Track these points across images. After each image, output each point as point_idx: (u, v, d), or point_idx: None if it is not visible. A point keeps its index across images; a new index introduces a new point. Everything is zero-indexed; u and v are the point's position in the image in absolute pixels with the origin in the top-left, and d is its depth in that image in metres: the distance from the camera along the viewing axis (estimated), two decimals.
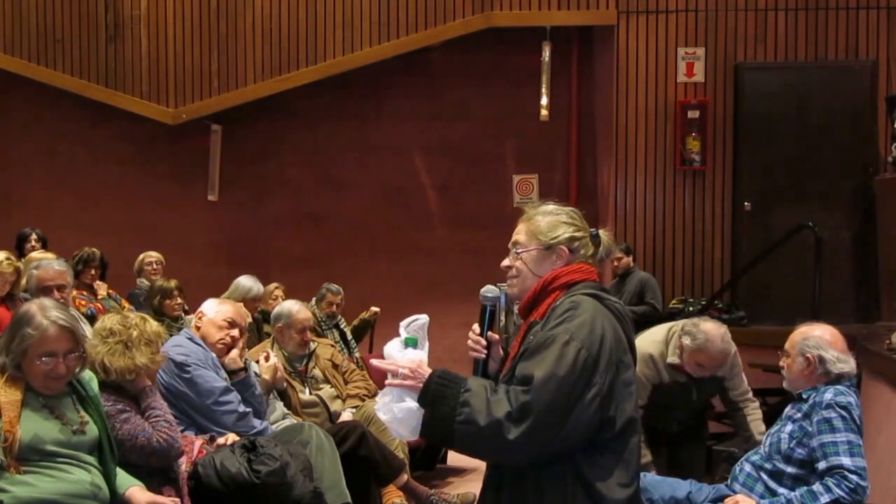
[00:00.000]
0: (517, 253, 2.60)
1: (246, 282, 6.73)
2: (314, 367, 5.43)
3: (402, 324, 2.54)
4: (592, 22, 8.45)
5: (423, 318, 2.54)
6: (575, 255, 2.58)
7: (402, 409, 2.40)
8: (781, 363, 3.82)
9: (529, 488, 2.41)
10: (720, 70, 8.12)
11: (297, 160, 9.26)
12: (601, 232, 2.65)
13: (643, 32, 8.20)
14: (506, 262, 2.63)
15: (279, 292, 7.10)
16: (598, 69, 8.82)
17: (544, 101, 8.44)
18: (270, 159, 9.27)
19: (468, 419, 2.30)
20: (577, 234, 2.59)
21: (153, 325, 3.63)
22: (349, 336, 7.09)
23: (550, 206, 2.64)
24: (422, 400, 2.38)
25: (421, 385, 2.39)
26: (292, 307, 5.44)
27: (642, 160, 8.20)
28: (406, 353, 2.47)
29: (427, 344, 2.53)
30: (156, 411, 3.50)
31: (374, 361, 2.55)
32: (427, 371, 2.41)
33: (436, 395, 2.36)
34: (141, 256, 7.44)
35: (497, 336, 2.66)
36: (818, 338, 3.74)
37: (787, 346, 3.79)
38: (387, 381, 2.45)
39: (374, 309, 7.52)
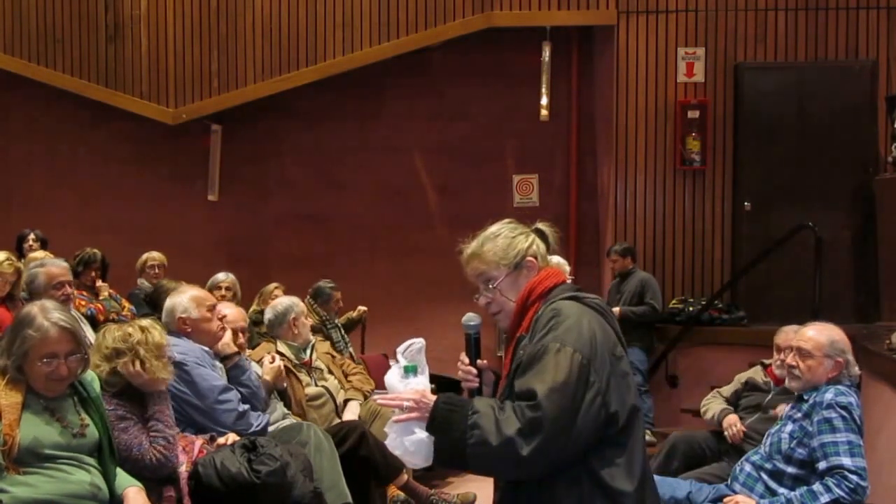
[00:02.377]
0: (493, 287, 2.58)
1: (220, 276, 6.79)
2: (317, 359, 5.45)
3: (399, 350, 2.52)
4: (592, 22, 8.45)
5: (419, 342, 2.52)
6: (539, 259, 2.58)
7: (412, 441, 2.39)
8: (792, 362, 3.79)
9: (544, 488, 2.41)
10: (720, 70, 8.12)
11: (297, 160, 9.26)
12: (540, 226, 2.67)
13: (643, 32, 8.20)
14: (482, 301, 2.61)
15: (279, 292, 7.08)
16: (598, 69, 8.82)
17: (544, 101, 8.43)
18: (270, 159, 9.26)
19: (480, 441, 2.30)
20: (529, 239, 2.60)
21: (155, 335, 3.55)
22: (343, 333, 7.09)
23: (490, 230, 2.64)
24: (430, 428, 2.37)
25: (427, 415, 2.38)
26: (291, 299, 5.51)
27: (642, 160, 8.20)
28: (408, 382, 2.46)
29: (427, 368, 2.51)
30: (157, 424, 3.46)
31: (378, 399, 2.53)
32: (431, 399, 2.40)
33: (444, 421, 2.35)
34: (144, 257, 7.42)
35: (486, 362, 2.67)
36: (842, 341, 3.75)
37: (807, 346, 3.75)
38: (393, 419, 2.43)
39: (362, 308, 7.51)
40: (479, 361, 2.65)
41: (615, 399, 2.39)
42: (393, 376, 2.48)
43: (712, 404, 4.88)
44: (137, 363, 3.44)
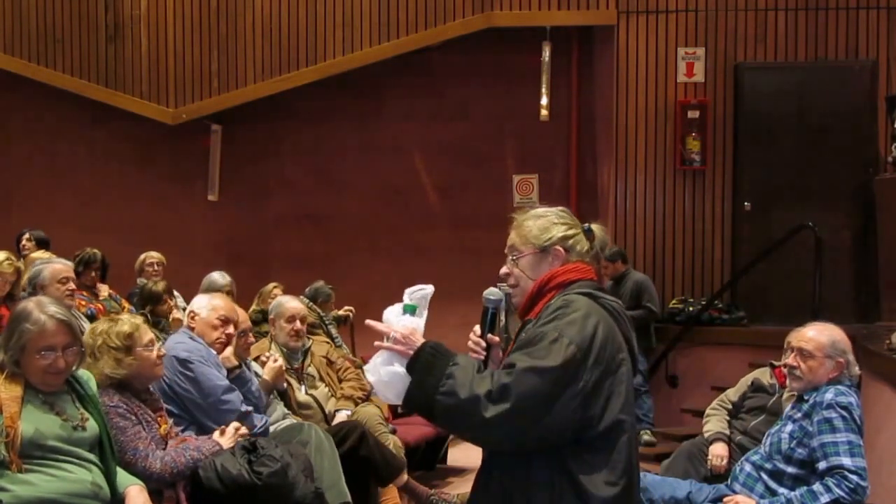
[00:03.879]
0: (513, 259, 2.60)
1: (219, 279, 6.65)
2: (309, 365, 5.41)
3: (407, 291, 2.54)
4: (592, 22, 8.45)
5: (429, 289, 2.54)
6: (571, 253, 2.57)
7: (389, 372, 2.41)
8: (794, 362, 3.79)
9: (518, 483, 2.42)
10: (720, 70, 8.12)
11: (297, 160, 9.26)
12: (594, 226, 2.65)
13: (643, 32, 8.20)
14: (504, 270, 2.64)
15: (278, 291, 7.06)
16: (598, 69, 8.82)
17: (544, 101, 8.43)
18: (270, 159, 9.26)
19: (450, 391, 2.31)
20: (569, 232, 2.59)
21: (124, 327, 3.53)
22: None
23: (540, 209, 2.65)
24: (410, 367, 2.39)
25: (411, 352, 2.40)
26: (282, 299, 5.51)
27: (642, 160, 8.20)
28: (403, 319, 2.48)
29: (426, 313, 2.53)
30: (184, 455, 3.48)
31: (369, 322, 2.54)
32: (419, 340, 2.42)
33: (425, 364, 2.37)
34: (143, 257, 7.40)
35: (497, 339, 2.66)
36: (843, 341, 3.75)
37: (809, 347, 3.75)
38: (375, 343, 2.46)
39: (349, 308, 7.51)
40: (489, 336, 2.64)
41: (601, 403, 2.38)
42: (391, 311, 2.51)
43: (712, 420, 4.76)
44: (93, 366, 3.41)
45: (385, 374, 2.42)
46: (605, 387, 2.39)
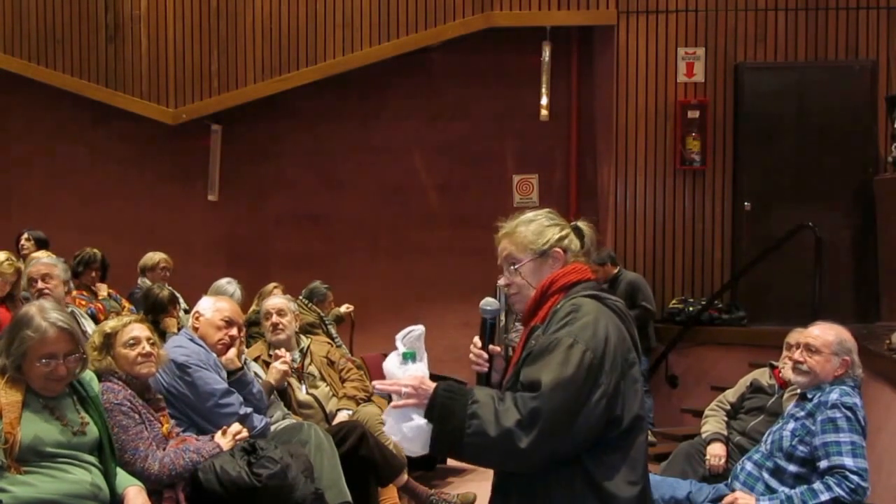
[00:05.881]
0: (514, 269, 2.58)
1: (228, 287, 6.49)
2: (310, 364, 5.41)
3: (398, 336, 2.48)
4: (592, 22, 8.45)
5: (419, 329, 2.49)
6: (568, 254, 2.57)
7: (410, 427, 2.37)
8: (800, 358, 3.79)
9: (538, 489, 2.41)
10: (720, 70, 8.12)
11: (297, 160, 9.26)
12: (581, 223, 2.65)
13: (643, 32, 8.20)
14: (503, 281, 2.62)
15: (278, 291, 7.06)
16: (598, 69, 8.82)
17: (544, 101, 8.43)
18: (270, 159, 9.26)
19: (478, 431, 2.28)
20: (563, 232, 2.59)
21: (104, 327, 3.62)
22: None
23: (528, 215, 2.63)
24: (429, 415, 2.35)
25: (426, 402, 2.36)
26: (264, 301, 5.58)
27: (642, 160, 8.20)
28: (406, 368, 2.43)
29: (426, 355, 2.48)
30: (184, 457, 3.49)
31: (376, 384, 2.50)
32: (430, 386, 2.38)
33: (443, 409, 2.34)
34: (157, 259, 7.26)
35: (499, 348, 2.65)
36: (849, 340, 3.76)
37: (816, 343, 3.75)
38: (391, 404, 2.41)
39: (349, 306, 7.48)
40: (491, 347, 2.63)
41: (620, 403, 2.38)
42: (391, 363, 2.45)
43: (710, 421, 4.76)
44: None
45: (407, 430, 2.37)
46: (623, 387, 2.40)
